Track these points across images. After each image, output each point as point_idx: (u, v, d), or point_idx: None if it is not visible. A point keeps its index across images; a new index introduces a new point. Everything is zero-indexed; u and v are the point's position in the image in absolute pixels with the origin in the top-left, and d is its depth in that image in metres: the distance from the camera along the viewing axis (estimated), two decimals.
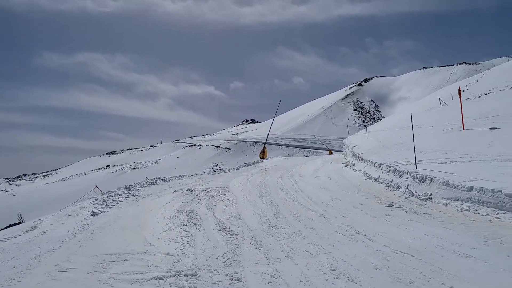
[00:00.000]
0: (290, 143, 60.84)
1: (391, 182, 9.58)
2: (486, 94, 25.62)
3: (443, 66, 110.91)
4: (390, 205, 7.52)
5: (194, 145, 74.47)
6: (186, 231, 6.24)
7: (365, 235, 5.58)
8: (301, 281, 4.05)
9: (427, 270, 4.07)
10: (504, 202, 6.18)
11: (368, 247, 5.04)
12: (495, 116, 15.69)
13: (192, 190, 10.43)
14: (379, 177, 10.59)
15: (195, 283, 4.14)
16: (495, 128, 12.96)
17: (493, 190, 6.46)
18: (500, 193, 6.29)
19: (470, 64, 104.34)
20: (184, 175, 15.29)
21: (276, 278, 4.16)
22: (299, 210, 7.64)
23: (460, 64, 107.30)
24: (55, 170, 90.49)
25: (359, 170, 12.82)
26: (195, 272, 4.43)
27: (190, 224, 6.69)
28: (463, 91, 30.41)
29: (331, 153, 33.44)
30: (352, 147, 17.29)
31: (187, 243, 5.60)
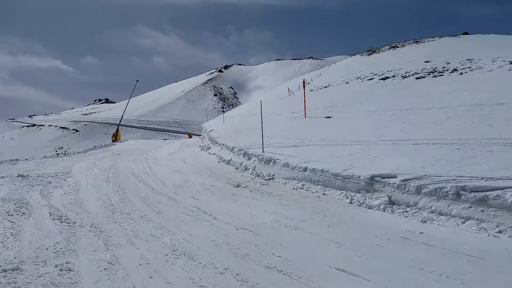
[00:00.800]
0: (148, 126, 58.84)
1: (241, 164, 10.12)
2: (326, 86, 29.12)
3: (295, 59, 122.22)
4: (238, 186, 7.94)
5: (34, 125, 65.44)
6: (11, 222, 5.41)
7: (210, 214, 5.76)
8: (140, 264, 3.94)
9: (261, 243, 4.43)
10: (330, 181, 7.16)
11: (212, 225, 5.22)
12: (331, 106, 18.00)
13: (24, 176, 9.10)
14: (231, 159, 11.07)
15: (15, 278, 3.62)
16: (330, 117, 14.89)
17: (322, 170, 7.42)
18: (328, 172, 7.26)
19: (316, 59, 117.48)
20: (17, 159, 13.25)
21: (113, 264, 3.95)
22: (149, 194, 7.43)
23: (309, 58, 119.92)
24: None
25: (214, 153, 13.18)
26: (17, 266, 3.87)
27: (18, 214, 5.82)
28: (308, 83, 34.03)
29: (191, 137, 33.57)
30: (209, 131, 17.67)
31: (11, 235, 4.85)
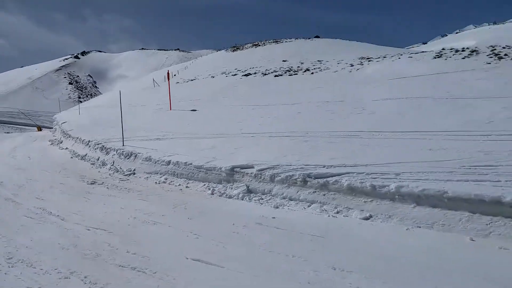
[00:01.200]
0: None
1: (98, 160, 9.41)
2: (192, 80, 29.08)
3: (160, 50, 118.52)
4: (93, 183, 7.35)
5: None
6: None
7: (58, 215, 5.18)
8: None
9: (116, 242, 4.18)
10: (193, 173, 7.19)
11: (60, 227, 4.71)
12: (197, 99, 18.05)
13: None
14: (86, 154, 10.19)
15: None
16: (195, 110, 14.95)
17: (186, 163, 7.40)
18: (191, 165, 7.28)
19: (183, 51, 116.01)
20: None
21: None
22: None
23: (175, 50, 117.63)
24: None
25: (66, 148, 11.96)
26: None
27: None
28: (175, 75, 33.54)
29: (40, 130, 29.84)
30: (62, 124, 15.99)
31: None
